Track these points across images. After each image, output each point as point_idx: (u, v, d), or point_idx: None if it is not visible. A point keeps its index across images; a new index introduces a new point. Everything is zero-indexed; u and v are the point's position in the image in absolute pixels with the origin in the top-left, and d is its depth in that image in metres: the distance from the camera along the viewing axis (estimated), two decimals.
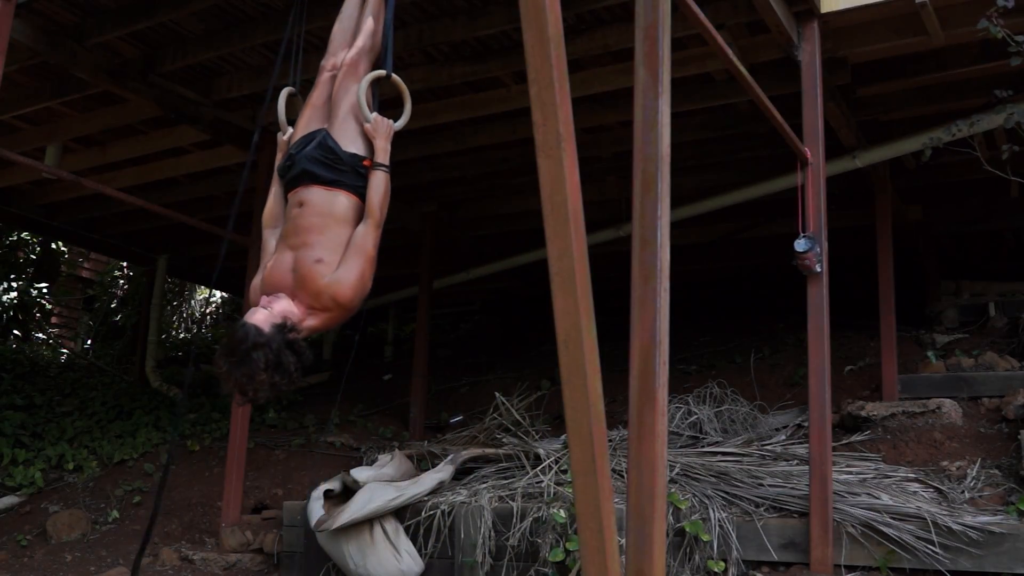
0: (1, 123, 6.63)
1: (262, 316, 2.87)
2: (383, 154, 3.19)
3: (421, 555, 4.88)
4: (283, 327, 2.87)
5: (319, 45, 5.41)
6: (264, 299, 2.96)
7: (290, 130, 3.45)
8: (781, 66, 5.12)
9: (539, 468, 5.17)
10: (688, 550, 4.42)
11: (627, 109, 5.63)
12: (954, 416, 5.43)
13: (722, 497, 4.68)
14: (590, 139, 6.67)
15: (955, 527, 4.12)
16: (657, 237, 2.83)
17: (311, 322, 2.98)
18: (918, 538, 4.16)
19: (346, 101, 3.28)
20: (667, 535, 4.22)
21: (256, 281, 3.12)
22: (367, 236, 3.05)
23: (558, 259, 2.40)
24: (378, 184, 3.14)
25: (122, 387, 9.02)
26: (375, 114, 3.25)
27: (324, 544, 5.08)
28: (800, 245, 4.39)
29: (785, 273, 5.02)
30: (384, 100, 3.43)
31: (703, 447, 5.55)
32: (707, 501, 4.61)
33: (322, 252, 3.00)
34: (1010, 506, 4.31)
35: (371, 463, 5.91)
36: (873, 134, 6.18)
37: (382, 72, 3.33)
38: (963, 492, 4.60)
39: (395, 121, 3.29)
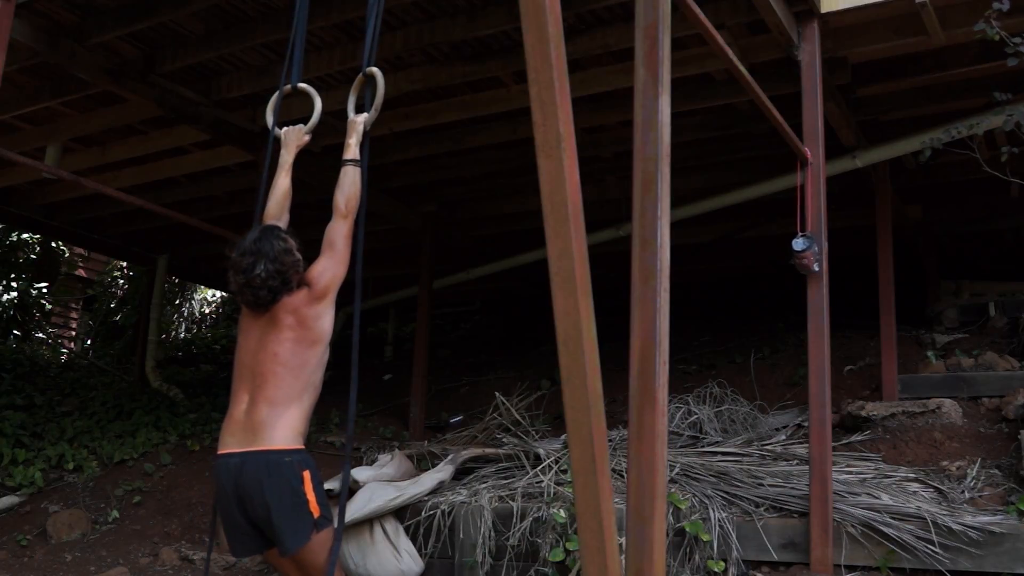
0: (1, 123, 6.63)
1: None
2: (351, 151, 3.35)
3: (421, 555, 4.87)
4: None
5: (319, 45, 5.45)
6: None
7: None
8: (781, 66, 5.12)
9: (539, 468, 5.16)
10: (688, 550, 4.42)
11: (627, 109, 5.63)
12: (954, 416, 5.43)
13: (722, 497, 4.68)
14: (590, 139, 6.67)
15: (955, 527, 4.11)
16: (657, 237, 2.83)
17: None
18: (918, 538, 4.16)
19: None
20: (667, 535, 4.22)
21: None
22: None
23: (558, 259, 2.40)
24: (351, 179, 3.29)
25: (122, 387, 9.02)
26: (353, 117, 3.41)
27: None
28: (798, 244, 4.38)
29: (785, 273, 5.02)
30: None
31: (703, 447, 5.54)
32: (707, 501, 4.61)
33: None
34: (1010, 506, 4.30)
35: (371, 463, 5.90)
36: (873, 134, 6.18)
37: (361, 76, 3.43)
38: (963, 492, 4.59)
39: (364, 114, 3.40)
